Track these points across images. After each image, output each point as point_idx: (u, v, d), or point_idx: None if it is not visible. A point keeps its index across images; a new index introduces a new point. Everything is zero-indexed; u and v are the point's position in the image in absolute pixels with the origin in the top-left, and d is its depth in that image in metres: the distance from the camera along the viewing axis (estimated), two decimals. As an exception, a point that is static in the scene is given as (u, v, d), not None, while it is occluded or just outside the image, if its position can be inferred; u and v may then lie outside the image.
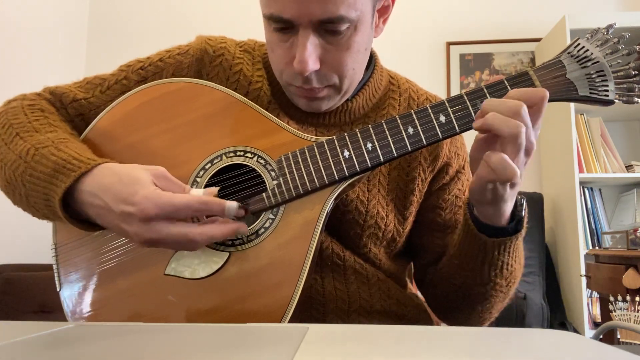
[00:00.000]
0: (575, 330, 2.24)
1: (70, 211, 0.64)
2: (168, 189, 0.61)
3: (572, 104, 2.28)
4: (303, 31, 0.66)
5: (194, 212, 0.60)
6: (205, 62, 0.79)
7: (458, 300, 0.77)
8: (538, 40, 2.60)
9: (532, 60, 2.64)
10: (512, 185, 0.62)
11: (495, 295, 0.74)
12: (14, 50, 2.36)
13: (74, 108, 0.78)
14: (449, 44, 2.71)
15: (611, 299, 1.56)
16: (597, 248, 2.23)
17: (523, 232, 0.68)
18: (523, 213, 0.67)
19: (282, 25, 0.67)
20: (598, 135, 2.36)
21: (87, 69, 2.89)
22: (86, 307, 0.69)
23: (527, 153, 0.60)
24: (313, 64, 0.67)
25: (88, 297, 0.69)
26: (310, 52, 0.66)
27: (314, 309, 0.73)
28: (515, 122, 0.57)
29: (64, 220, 0.64)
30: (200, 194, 0.62)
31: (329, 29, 0.66)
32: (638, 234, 1.69)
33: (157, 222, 0.58)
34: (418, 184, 0.79)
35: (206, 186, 0.68)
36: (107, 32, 2.93)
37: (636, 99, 0.63)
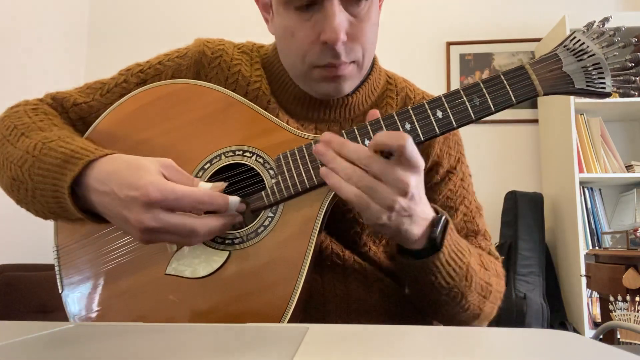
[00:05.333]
0: (575, 330, 2.23)
1: (78, 203, 0.64)
2: (176, 179, 0.62)
3: (572, 104, 2.28)
4: (329, 2, 0.66)
5: (196, 203, 0.59)
6: (204, 63, 0.79)
7: (433, 308, 0.75)
8: (538, 40, 2.60)
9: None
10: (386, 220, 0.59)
11: (464, 302, 0.70)
12: (14, 55, 2.36)
13: (75, 112, 0.79)
14: (449, 44, 2.71)
15: (611, 299, 1.56)
16: (597, 248, 2.23)
17: (446, 250, 0.65)
18: (436, 235, 0.64)
19: (307, 2, 0.67)
20: (598, 135, 2.36)
21: (88, 73, 2.89)
22: (88, 308, 0.70)
23: (390, 208, 0.58)
24: (344, 34, 0.67)
25: (90, 299, 0.70)
26: (341, 20, 0.67)
27: (314, 308, 0.73)
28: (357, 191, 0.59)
29: (71, 209, 0.63)
30: (207, 187, 0.62)
31: None
32: (638, 234, 1.69)
33: (158, 209, 0.58)
34: None
35: None
36: (107, 36, 2.93)
37: (633, 91, 0.63)
